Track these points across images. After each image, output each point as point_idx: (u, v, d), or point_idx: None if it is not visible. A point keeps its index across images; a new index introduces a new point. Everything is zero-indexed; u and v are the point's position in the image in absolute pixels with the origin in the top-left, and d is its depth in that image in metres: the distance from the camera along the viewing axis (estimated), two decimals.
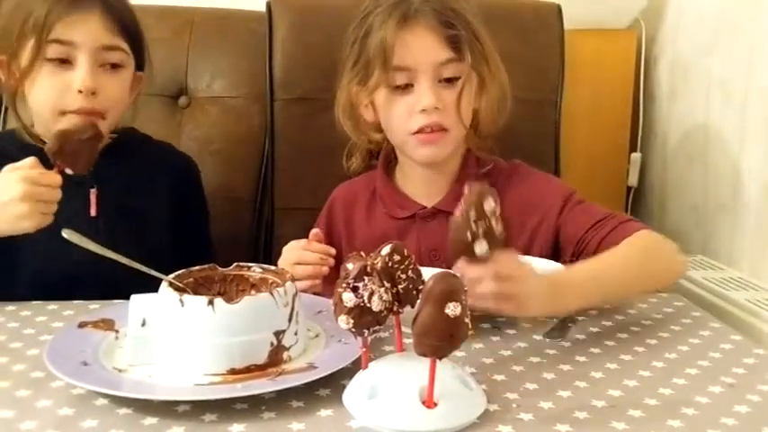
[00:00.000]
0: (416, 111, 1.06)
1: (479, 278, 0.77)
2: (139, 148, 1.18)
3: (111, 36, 1.05)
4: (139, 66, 1.14)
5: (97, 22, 1.04)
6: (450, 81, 1.07)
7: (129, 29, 1.09)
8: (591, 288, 0.89)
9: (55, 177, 0.93)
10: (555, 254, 1.08)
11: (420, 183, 1.15)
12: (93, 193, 1.08)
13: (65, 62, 1.03)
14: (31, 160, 0.93)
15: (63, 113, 1.03)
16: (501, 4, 1.49)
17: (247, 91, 1.45)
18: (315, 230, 1.04)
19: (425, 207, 1.13)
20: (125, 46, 1.08)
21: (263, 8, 1.44)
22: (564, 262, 1.04)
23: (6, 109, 1.38)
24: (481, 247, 0.73)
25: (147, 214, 1.13)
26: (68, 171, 0.95)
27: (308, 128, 1.37)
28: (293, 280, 0.80)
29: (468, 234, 0.73)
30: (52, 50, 1.02)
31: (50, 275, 1.04)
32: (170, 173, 1.19)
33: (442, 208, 1.11)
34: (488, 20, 1.44)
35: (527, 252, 1.04)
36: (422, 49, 1.05)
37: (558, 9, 1.46)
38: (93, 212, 1.08)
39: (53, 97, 1.03)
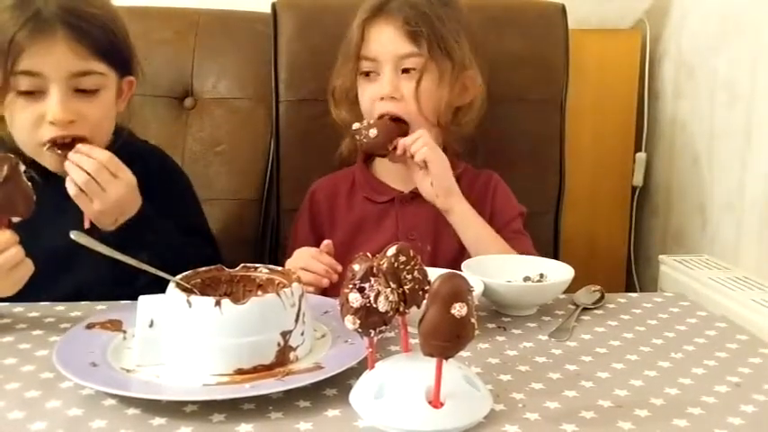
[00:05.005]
0: (377, 99, 1.17)
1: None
2: (128, 153, 1.07)
3: (81, 61, 0.99)
4: (128, 69, 1.09)
5: (63, 49, 0.98)
6: (410, 72, 1.17)
7: (104, 46, 1.02)
8: (468, 220, 1.14)
9: (5, 238, 0.87)
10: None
11: (397, 171, 1.23)
12: None
13: (35, 93, 0.98)
14: None
15: (42, 145, 1.00)
16: (505, 4, 1.50)
17: (253, 92, 1.45)
18: (326, 242, 1.09)
19: (403, 192, 1.24)
20: (100, 67, 1.02)
21: (268, 9, 1.45)
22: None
23: None
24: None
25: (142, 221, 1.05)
26: (15, 219, 0.88)
27: (313, 129, 1.38)
28: (299, 281, 0.81)
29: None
30: (22, 83, 0.97)
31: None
32: (147, 172, 1.09)
33: (419, 192, 1.20)
34: (493, 20, 1.46)
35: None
36: (383, 41, 1.18)
37: (563, 9, 1.47)
38: (86, 225, 1.01)
39: (29, 130, 0.99)
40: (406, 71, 1.17)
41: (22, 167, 0.89)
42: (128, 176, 1.01)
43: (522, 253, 1.12)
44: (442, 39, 1.18)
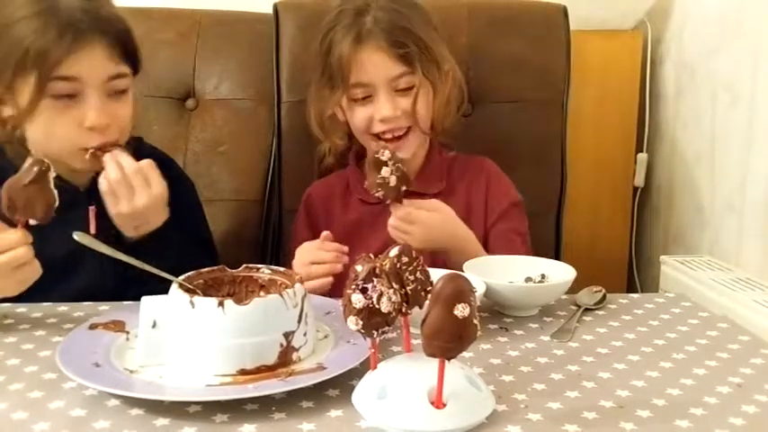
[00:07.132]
0: (377, 119, 1.17)
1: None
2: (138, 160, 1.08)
3: (114, 65, 1.01)
4: (138, 68, 1.09)
5: (101, 54, 0.99)
6: (405, 90, 1.17)
7: (129, 49, 1.04)
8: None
9: (16, 236, 0.86)
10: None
11: None
12: (91, 210, 1.05)
13: (70, 97, 0.98)
14: None
15: (84, 150, 1.00)
16: (507, 5, 1.50)
17: (254, 93, 1.46)
18: (326, 232, 1.08)
19: None
20: (128, 69, 1.04)
21: (269, 10, 1.45)
22: None
23: None
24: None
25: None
26: (32, 222, 0.88)
27: None
28: (302, 281, 0.81)
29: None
30: (57, 87, 0.97)
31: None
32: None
33: (412, 190, 1.18)
34: (494, 21, 1.46)
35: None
36: (375, 67, 1.16)
37: (564, 10, 1.47)
38: (92, 230, 1.03)
39: (69, 136, 0.99)
40: (400, 90, 1.17)
41: (53, 174, 0.87)
42: (160, 188, 1.00)
43: None
44: (427, 50, 1.18)
